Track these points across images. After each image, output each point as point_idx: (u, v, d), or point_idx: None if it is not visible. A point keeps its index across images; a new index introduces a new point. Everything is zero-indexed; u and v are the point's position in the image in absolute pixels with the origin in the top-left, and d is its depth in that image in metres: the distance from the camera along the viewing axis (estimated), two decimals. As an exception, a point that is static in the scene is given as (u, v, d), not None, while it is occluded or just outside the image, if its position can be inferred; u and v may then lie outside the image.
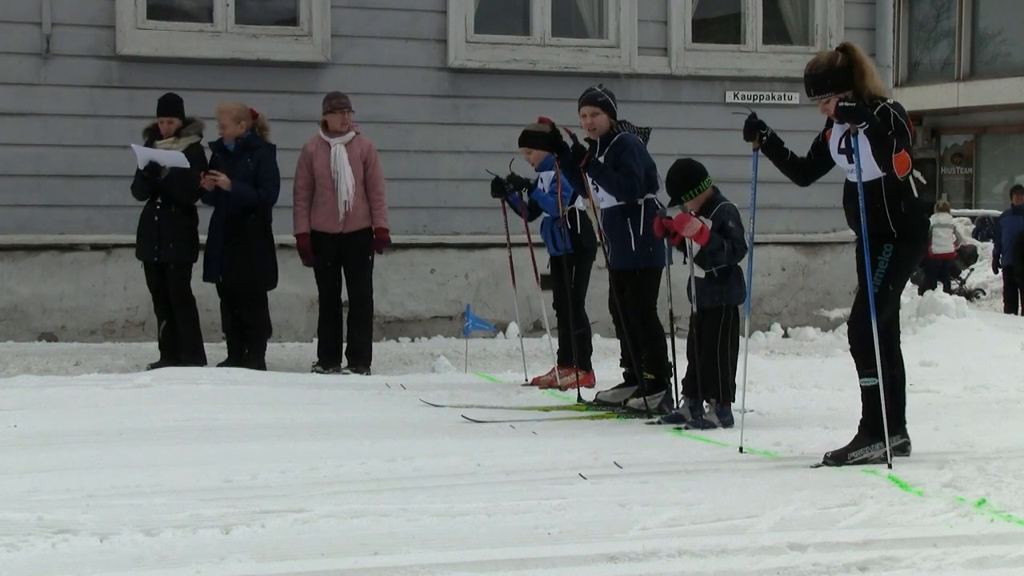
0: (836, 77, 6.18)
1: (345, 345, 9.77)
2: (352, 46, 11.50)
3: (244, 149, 9.47)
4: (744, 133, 6.60)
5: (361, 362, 9.64)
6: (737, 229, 7.26)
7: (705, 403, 7.38)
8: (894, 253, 6.17)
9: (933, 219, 20.26)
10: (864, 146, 6.07)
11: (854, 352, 6.29)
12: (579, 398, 8.29)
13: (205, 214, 9.63)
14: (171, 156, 9.39)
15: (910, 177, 6.19)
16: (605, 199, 7.94)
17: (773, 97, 12.58)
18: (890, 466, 6.03)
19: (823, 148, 6.44)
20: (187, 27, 11.21)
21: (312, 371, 9.59)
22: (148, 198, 9.53)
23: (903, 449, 6.34)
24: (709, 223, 7.19)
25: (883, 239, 6.19)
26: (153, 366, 9.37)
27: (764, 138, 6.53)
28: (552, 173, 8.83)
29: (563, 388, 8.78)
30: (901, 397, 6.38)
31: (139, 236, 9.62)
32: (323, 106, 9.71)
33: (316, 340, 9.92)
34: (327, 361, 9.64)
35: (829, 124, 6.39)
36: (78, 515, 4.89)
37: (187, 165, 9.36)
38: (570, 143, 7.93)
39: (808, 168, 6.54)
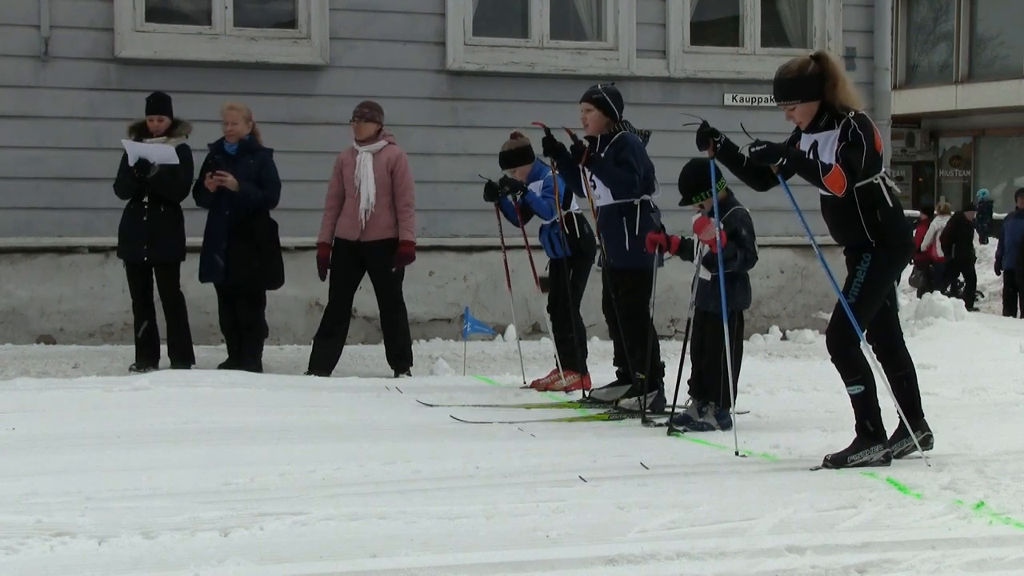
0: (805, 85, 6.15)
1: (385, 351, 9.62)
2: (351, 49, 11.51)
3: (244, 151, 9.44)
4: (697, 142, 6.59)
5: (404, 366, 9.52)
6: (749, 237, 7.21)
7: (704, 405, 7.37)
8: (872, 262, 6.14)
9: (936, 222, 20.31)
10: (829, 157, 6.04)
11: (834, 363, 6.29)
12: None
13: (197, 215, 9.58)
14: (161, 150, 9.27)
15: (882, 185, 6.14)
16: (602, 196, 7.94)
17: (771, 100, 12.55)
18: (927, 458, 6.22)
19: None
20: (186, 29, 11.22)
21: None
22: (132, 196, 9.42)
23: (926, 442, 6.39)
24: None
25: (862, 249, 6.17)
26: (134, 368, 9.37)
27: (718, 145, 6.51)
28: (541, 182, 8.87)
29: (567, 391, 8.76)
30: (915, 393, 6.41)
31: (124, 236, 9.50)
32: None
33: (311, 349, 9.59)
34: (320, 373, 9.32)
35: (798, 133, 6.36)
36: (77, 517, 4.89)
37: (176, 160, 9.27)
38: (569, 143, 7.95)
39: (770, 174, 6.34)
